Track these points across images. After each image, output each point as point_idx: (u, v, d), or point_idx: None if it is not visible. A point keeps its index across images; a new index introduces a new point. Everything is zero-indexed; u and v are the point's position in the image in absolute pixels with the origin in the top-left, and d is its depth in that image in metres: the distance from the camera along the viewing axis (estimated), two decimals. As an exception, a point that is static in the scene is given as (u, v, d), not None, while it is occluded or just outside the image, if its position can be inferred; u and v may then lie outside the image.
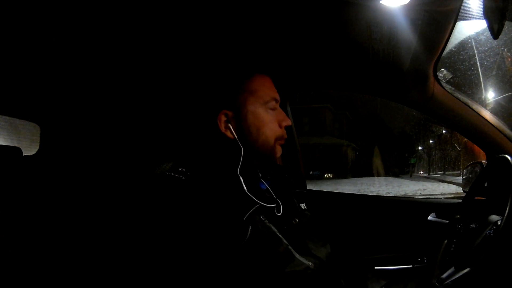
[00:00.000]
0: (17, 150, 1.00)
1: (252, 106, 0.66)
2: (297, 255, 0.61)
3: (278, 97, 0.70)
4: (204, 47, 0.88)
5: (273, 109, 0.69)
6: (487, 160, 1.02)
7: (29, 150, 1.36)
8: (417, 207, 1.16)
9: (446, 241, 0.81)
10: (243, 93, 0.67)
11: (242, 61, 0.94)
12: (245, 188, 0.62)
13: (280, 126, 0.69)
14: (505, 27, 0.63)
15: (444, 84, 0.98)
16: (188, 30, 0.79)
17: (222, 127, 0.66)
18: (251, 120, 0.66)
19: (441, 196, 7.69)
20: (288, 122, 0.70)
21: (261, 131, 0.66)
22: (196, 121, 0.73)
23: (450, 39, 0.77)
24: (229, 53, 0.91)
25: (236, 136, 0.65)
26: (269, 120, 0.67)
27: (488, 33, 0.67)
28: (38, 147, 1.26)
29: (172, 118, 1.12)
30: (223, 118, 0.66)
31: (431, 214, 1.11)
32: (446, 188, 9.74)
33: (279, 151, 0.70)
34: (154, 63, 0.96)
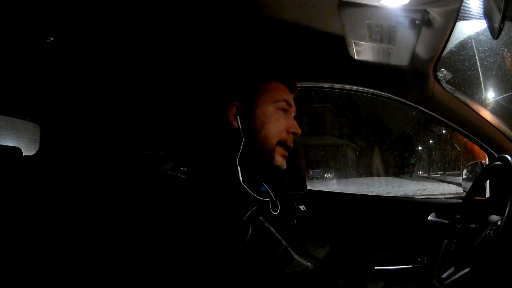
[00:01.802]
0: (17, 150, 1.00)
1: (262, 102, 0.69)
2: (296, 256, 0.61)
3: (291, 101, 0.72)
4: (231, 53, 0.96)
5: (285, 111, 0.71)
6: (487, 160, 1.02)
7: (29, 150, 1.37)
8: (417, 207, 1.16)
9: (446, 241, 0.81)
10: (257, 91, 0.70)
11: (262, 66, 0.98)
12: (240, 178, 0.63)
13: (287, 132, 0.70)
14: (505, 27, 0.63)
15: (444, 84, 0.98)
16: (221, 41, 0.89)
17: (231, 117, 0.69)
18: (258, 114, 0.68)
19: (441, 196, 7.68)
20: (298, 130, 0.71)
21: (265, 126, 0.68)
22: (208, 110, 0.78)
23: (450, 39, 0.77)
24: (248, 57, 0.98)
25: (240, 126, 0.68)
26: (276, 119, 0.69)
27: (488, 33, 0.67)
28: (38, 147, 1.26)
29: (181, 110, 1.15)
30: (234, 110, 0.69)
31: (431, 214, 1.11)
32: (446, 188, 9.73)
33: (282, 160, 0.70)
34: (173, 61, 1.02)
